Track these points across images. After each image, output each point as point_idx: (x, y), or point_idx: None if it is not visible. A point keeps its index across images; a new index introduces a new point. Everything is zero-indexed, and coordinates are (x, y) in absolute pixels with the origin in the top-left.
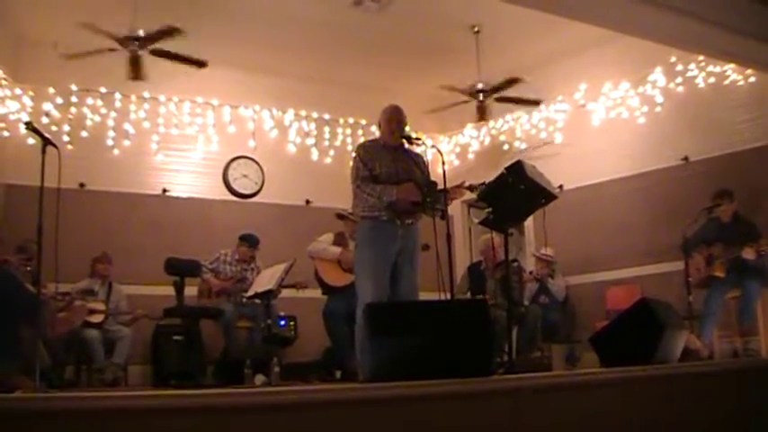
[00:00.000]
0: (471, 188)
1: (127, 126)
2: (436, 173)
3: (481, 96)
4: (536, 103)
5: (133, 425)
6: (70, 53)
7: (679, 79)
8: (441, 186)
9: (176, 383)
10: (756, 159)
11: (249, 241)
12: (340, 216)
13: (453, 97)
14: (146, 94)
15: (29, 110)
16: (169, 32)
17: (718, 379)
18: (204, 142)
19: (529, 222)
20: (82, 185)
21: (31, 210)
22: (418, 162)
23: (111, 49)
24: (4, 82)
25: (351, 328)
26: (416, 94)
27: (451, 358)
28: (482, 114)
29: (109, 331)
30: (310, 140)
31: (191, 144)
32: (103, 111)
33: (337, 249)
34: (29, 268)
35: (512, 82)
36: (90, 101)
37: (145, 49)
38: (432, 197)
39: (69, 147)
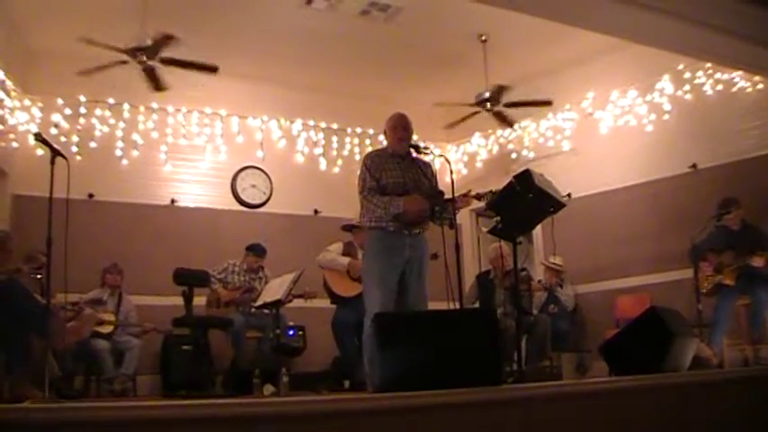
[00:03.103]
0: (478, 197)
1: (135, 137)
2: (444, 182)
3: (489, 105)
4: (547, 103)
5: None
6: (84, 69)
7: (687, 87)
8: (448, 196)
9: (185, 394)
10: (765, 166)
11: (255, 251)
12: (346, 228)
13: (462, 110)
14: (154, 105)
15: (38, 121)
16: (166, 40)
17: (728, 387)
18: (212, 152)
19: (537, 231)
20: (91, 196)
21: (40, 220)
22: (426, 171)
23: (123, 62)
24: (13, 93)
25: (360, 337)
26: (424, 103)
27: (461, 368)
28: (503, 120)
29: (118, 342)
30: (318, 150)
31: (199, 154)
32: (112, 121)
33: (346, 260)
34: (39, 277)
35: (539, 103)
36: (98, 112)
37: (155, 60)
38: (440, 207)
39: (78, 157)
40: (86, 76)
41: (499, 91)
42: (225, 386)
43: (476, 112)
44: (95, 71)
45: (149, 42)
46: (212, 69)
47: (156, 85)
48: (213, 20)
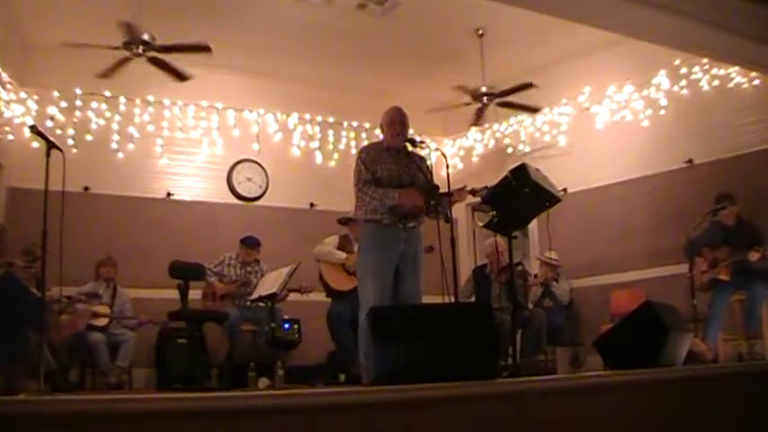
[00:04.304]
0: (473, 192)
1: (131, 130)
2: (440, 176)
3: (485, 99)
4: (535, 110)
5: (137, 428)
6: (102, 71)
7: (683, 82)
8: (444, 190)
9: (180, 387)
10: (761, 162)
11: (248, 243)
12: (342, 222)
13: (458, 99)
14: (150, 98)
15: (34, 113)
16: (198, 48)
17: (722, 382)
18: (208, 146)
19: (533, 225)
20: (86, 189)
21: (35, 213)
22: (421, 165)
23: (127, 59)
24: (9, 86)
25: (355, 331)
26: (420, 97)
27: (456, 362)
28: (478, 119)
29: (113, 335)
30: (314, 144)
31: (195, 147)
32: (108, 114)
33: (343, 254)
34: (33, 270)
35: (522, 87)
36: (94, 104)
37: (150, 50)
38: (435, 201)
39: (74, 150)
40: (108, 77)
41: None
42: (220, 379)
43: (484, 107)
44: (112, 72)
45: (146, 36)
46: (205, 49)
47: (178, 75)
48: (210, 13)
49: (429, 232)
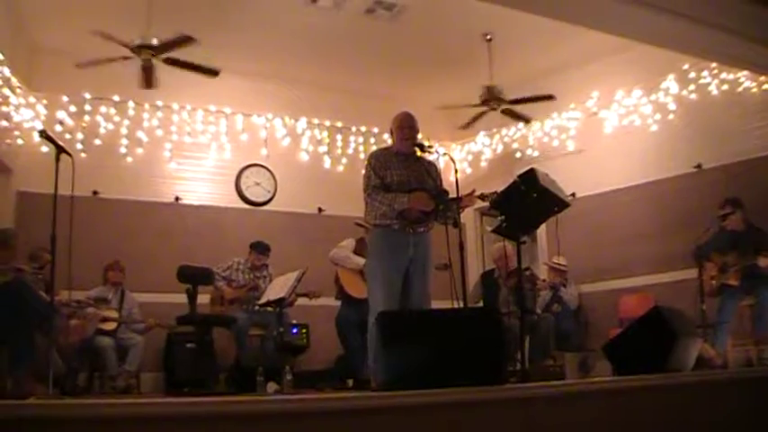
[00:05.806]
0: (483, 197)
1: (140, 134)
2: (448, 181)
3: (493, 104)
4: (550, 97)
5: None
6: (85, 60)
7: (692, 86)
8: (453, 195)
9: (189, 391)
10: None
11: (259, 249)
12: (360, 224)
13: (468, 109)
14: (159, 102)
15: (43, 118)
16: (183, 41)
17: (731, 388)
18: (217, 150)
19: (541, 230)
20: (95, 193)
21: (44, 217)
22: (430, 170)
23: (125, 57)
24: (18, 90)
25: (363, 336)
26: (428, 101)
27: (464, 367)
28: (515, 116)
29: (121, 339)
30: (323, 148)
31: (203, 152)
32: (117, 119)
33: (361, 260)
34: (41, 276)
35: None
36: (103, 109)
37: (158, 58)
38: (444, 205)
39: (83, 154)
40: (88, 68)
41: (492, 92)
42: (228, 384)
43: (483, 112)
44: (98, 63)
45: (155, 41)
46: (213, 73)
47: (149, 83)
48: (218, 17)
49: (437, 237)
